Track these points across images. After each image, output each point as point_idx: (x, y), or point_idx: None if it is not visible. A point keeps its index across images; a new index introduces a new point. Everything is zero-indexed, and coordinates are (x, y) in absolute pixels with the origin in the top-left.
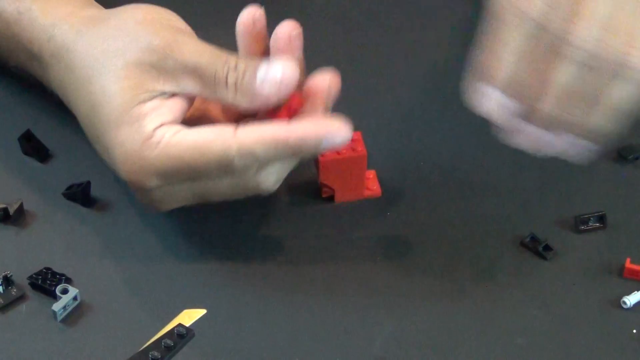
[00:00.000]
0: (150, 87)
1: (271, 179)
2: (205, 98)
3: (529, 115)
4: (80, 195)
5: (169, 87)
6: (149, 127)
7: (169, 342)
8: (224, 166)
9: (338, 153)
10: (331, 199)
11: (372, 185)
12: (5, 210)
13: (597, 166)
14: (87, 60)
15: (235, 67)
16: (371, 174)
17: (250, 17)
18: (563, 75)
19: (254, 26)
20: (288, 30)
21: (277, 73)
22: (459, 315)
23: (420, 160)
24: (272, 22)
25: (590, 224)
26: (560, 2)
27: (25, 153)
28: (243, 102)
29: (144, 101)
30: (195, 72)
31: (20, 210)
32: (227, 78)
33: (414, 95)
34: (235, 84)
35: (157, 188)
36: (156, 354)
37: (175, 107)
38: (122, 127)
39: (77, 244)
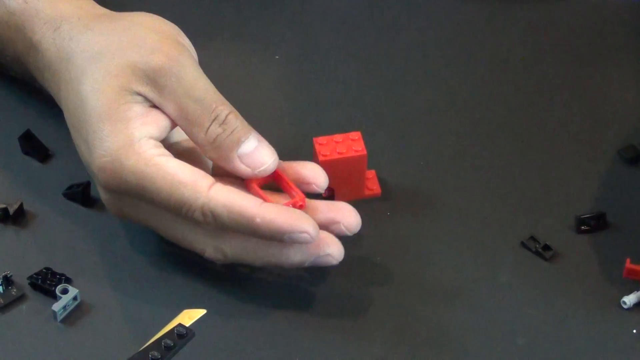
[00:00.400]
0: (135, 89)
1: (223, 250)
2: (179, 126)
3: None
4: (80, 195)
5: (152, 97)
6: (136, 134)
7: (169, 342)
8: (184, 209)
9: (338, 153)
10: (331, 199)
11: (372, 185)
12: (5, 210)
13: (597, 166)
14: (87, 52)
15: (224, 121)
16: (371, 174)
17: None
18: None
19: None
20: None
21: (260, 159)
22: (459, 315)
23: (420, 160)
24: (272, 22)
25: (591, 224)
26: None
27: (25, 153)
28: (213, 157)
29: (130, 102)
30: (181, 101)
31: (20, 210)
32: (209, 127)
33: (413, 95)
34: (215, 138)
35: (119, 195)
36: (156, 354)
37: (160, 119)
38: (107, 122)
39: (77, 244)
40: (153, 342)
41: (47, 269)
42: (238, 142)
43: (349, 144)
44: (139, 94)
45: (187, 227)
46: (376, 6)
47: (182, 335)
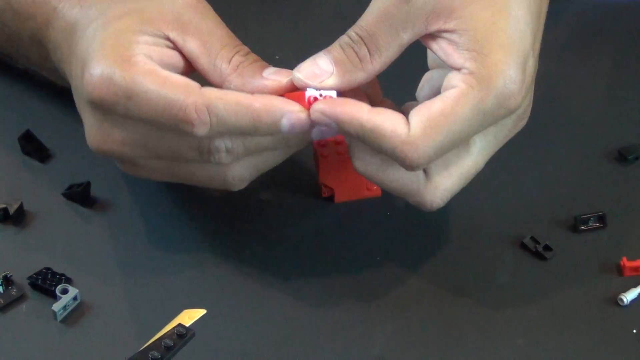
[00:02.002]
0: (156, 25)
1: (243, 172)
2: (200, 70)
3: None
4: (80, 195)
5: (173, 34)
6: (134, 51)
7: (169, 342)
8: (175, 110)
9: (338, 153)
10: (331, 199)
11: (372, 185)
12: (5, 210)
13: (597, 166)
14: (115, 9)
15: (246, 55)
16: None
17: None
18: None
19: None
20: None
21: (285, 73)
22: (459, 315)
23: None
24: (272, 22)
25: (590, 224)
26: None
27: (25, 153)
28: (237, 84)
29: (143, 32)
30: (205, 37)
31: (20, 210)
32: (232, 58)
33: (413, 95)
34: (239, 65)
35: (111, 113)
36: (156, 354)
37: (169, 55)
38: (110, 43)
39: (77, 244)
40: (153, 342)
41: (47, 269)
42: (262, 67)
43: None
44: (160, 32)
45: (199, 165)
46: None
47: (182, 335)
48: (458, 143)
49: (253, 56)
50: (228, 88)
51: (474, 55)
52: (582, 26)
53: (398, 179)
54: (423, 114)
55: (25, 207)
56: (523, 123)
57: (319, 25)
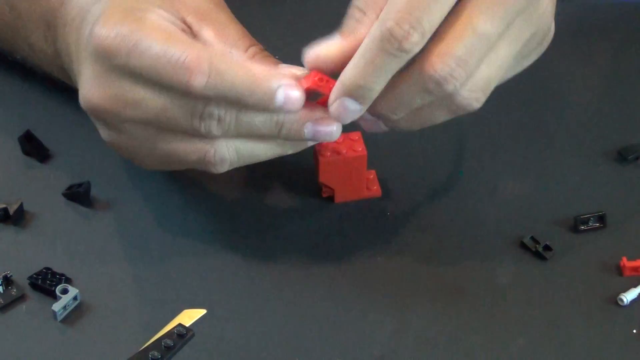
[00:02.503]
0: (176, 6)
1: (226, 152)
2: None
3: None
4: (80, 195)
5: (190, 19)
6: (147, 13)
7: (169, 342)
8: (179, 60)
9: (338, 153)
10: (331, 199)
11: (372, 185)
12: (5, 210)
13: (597, 166)
14: None
15: (261, 50)
16: (371, 174)
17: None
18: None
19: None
20: None
21: (299, 70)
22: (459, 315)
23: (420, 160)
24: (272, 22)
25: (590, 224)
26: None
27: (25, 153)
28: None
29: (160, 7)
30: (221, 28)
31: (20, 210)
32: (248, 48)
33: None
34: (254, 55)
35: (111, 62)
36: (156, 354)
37: (180, 30)
38: (123, 4)
39: (77, 244)
40: (153, 342)
41: (47, 269)
42: (277, 62)
43: (350, 144)
44: (179, 14)
45: (184, 137)
46: None
47: (182, 335)
48: (436, 5)
49: (267, 53)
50: None
51: None
52: (582, 26)
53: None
54: None
55: (25, 207)
56: (546, 25)
57: (319, 26)
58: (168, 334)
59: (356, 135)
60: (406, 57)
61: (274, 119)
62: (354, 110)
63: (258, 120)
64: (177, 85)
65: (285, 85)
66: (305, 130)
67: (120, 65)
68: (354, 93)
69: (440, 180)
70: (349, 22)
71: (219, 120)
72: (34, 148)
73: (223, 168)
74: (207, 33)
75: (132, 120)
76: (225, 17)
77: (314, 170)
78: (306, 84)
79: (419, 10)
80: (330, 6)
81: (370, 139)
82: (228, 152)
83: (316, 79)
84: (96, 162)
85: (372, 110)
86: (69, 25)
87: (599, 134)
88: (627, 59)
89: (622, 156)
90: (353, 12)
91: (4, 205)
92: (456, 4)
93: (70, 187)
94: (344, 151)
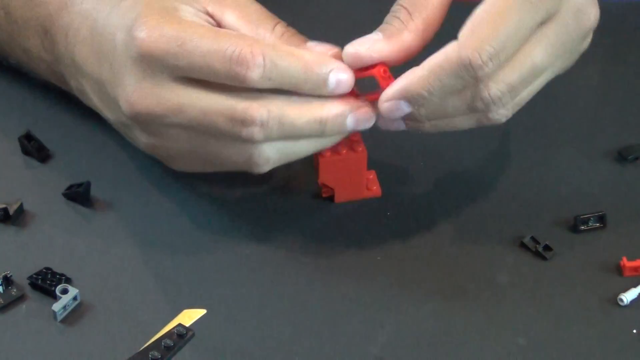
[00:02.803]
0: (201, 4)
1: (271, 153)
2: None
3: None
4: (80, 195)
5: (212, 8)
6: (179, 12)
7: (169, 342)
8: (234, 54)
9: (338, 153)
10: (331, 199)
11: (372, 185)
12: (5, 210)
13: (597, 166)
14: None
15: (287, 27)
16: (371, 174)
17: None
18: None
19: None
20: None
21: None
22: (459, 315)
23: (420, 160)
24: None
25: (590, 224)
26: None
27: (25, 153)
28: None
29: (185, 3)
30: (243, 9)
31: (20, 210)
32: (274, 27)
33: None
34: (282, 34)
35: (159, 68)
36: (156, 354)
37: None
38: (155, 5)
39: (77, 244)
40: (153, 342)
41: (47, 269)
42: (304, 40)
43: (349, 144)
44: (200, 5)
45: (227, 141)
46: (376, 6)
47: (182, 335)
48: (514, 38)
49: (293, 29)
50: None
51: None
52: None
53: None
54: (468, 21)
55: (25, 207)
56: (589, 25)
57: (319, 25)
58: (168, 334)
59: (356, 136)
60: (475, 82)
61: (317, 117)
62: (405, 112)
63: (301, 122)
64: (233, 79)
65: (335, 69)
66: (348, 122)
67: (169, 67)
68: (412, 99)
69: (440, 180)
70: (394, 22)
71: (262, 125)
72: (34, 148)
73: (266, 168)
74: (230, 17)
75: (177, 125)
76: (245, 0)
77: (314, 170)
78: (371, 73)
79: (500, 41)
80: (330, 6)
81: (370, 139)
82: (272, 152)
83: (381, 70)
84: (96, 162)
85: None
86: (72, 36)
87: (599, 134)
88: (626, 59)
89: (622, 156)
90: (399, 12)
91: (4, 205)
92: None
93: (70, 187)
94: (344, 151)
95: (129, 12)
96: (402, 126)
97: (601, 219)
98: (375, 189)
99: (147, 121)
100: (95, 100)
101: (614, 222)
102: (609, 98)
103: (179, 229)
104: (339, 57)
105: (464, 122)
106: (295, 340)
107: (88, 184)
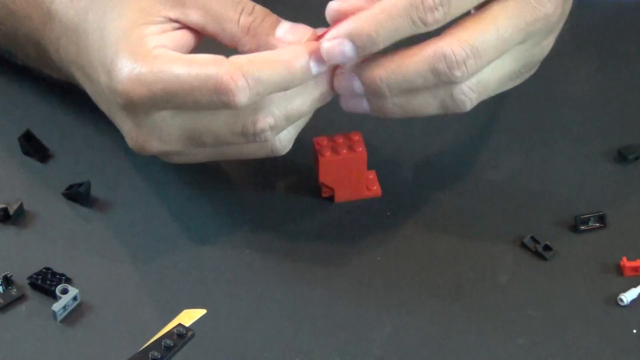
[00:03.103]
0: (155, 11)
1: (288, 137)
2: (210, 35)
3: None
4: (80, 195)
5: (174, 13)
6: (149, 45)
7: (169, 342)
8: (211, 83)
9: (338, 153)
10: (331, 199)
11: (372, 185)
12: (5, 210)
13: (597, 166)
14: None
15: (252, 11)
16: (371, 174)
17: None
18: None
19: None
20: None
21: (301, 31)
22: (459, 315)
23: (420, 160)
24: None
25: (590, 224)
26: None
27: (25, 153)
28: (251, 47)
29: (148, 23)
30: (204, 4)
31: (20, 210)
32: (239, 18)
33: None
34: (249, 26)
35: (149, 112)
36: (156, 354)
37: (178, 37)
38: (125, 44)
39: (77, 244)
40: (153, 342)
41: (47, 269)
42: (273, 25)
43: (349, 144)
44: (161, 16)
45: (231, 119)
46: None
47: (182, 335)
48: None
49: (261, 11)
50: (242, 51)
51: None
52: (582, 26)
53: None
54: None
55: (25, 207)
56: (544, 11)
57: (319, 25)
58: (168, 334)
59: (356, 136)
60: (421, 30)
61: (317, 95)
62: (347, 56)
63: (305, 107)
64: (224, 107)
65: (311, 56)
66: (313, 67)
67: (158, 108)
68: (357, 39)
69: (440, 180)
70: None
71: (272, 128)
72: (34, 148)
73: (287, 150)
74: (194, 17)
75: (187, 149)
76: None
77: (314, 170)
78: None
79: None
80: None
81: (370, 139)
82: (288, 135)
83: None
84: (96, 162)
85: (369, 79)
86: (54, 44)
87: (599, 134)
88: (626, 59)
89: (622, 156)
90: None
91: (4, 205)
92: (485, 3)
93: (70, 187)
94: (344, 151)
95: (102, 51)
96: (364, 106)
97: (601, 219)
98: (375, 189)
99: (163, 156)
100: (89, 92)
101: (614, 222)
102: (609, 98)
103: (179, 229)
104: (312, 37)
105: (428, 104)
106: (295, 340)
107: (88, 184)
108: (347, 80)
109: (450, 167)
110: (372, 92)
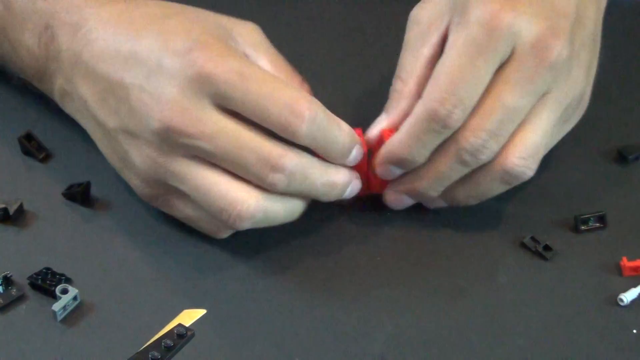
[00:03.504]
0: (238, 39)
1: (258, 210)
2: None
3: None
4: (80, 195)
5: (250, 50)
6: (229, 40)
7: (169, 342)
8: (292, 102)
9: None
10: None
11: (375, 180)
12: (5, 210)
13: (597, 166)
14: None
15: (309, 89)
16: (357, 131)
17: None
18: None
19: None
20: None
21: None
22: (459, 315)
23: None
24: (271, 21)
25: (590, 224)
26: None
27: (25, 153)
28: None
29: (232, 40)
30: (274, 58)
31: (20, 210)
32: (301, 83)
33: None
34: (308, 92)
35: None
36: (156, 354)
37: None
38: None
39: (77, 244)
40: (153, 342)
41: (47, 269)
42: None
43: None
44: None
45: (235, 179)
46: (378, 6)
47: (182, 335)
48: (473, 83)
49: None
50: None
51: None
52: None
53: None
54: (430, 79)
55: (25, 207)
56: (552, 58)
57: (319, 25)
58: (168, 334)
59: (357, 132)
60: (449, 132)
61: (332, 180)
62: (397, 173)
63: (320, 181)
64: (284, 127)
65: (359, 145)
66: (348, 189)
67: (220, 96)
68: (398, 163)
69: None
70: (392, 96)
71: (289, 175)
72: (34, 148)
73: (244, 226)
74: (264, 64)
75: (203, 151)
76: (274, 50)
77: None
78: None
79: (461, 89)
80: (329, 6)
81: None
82: (257, 209)
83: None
84: (96, 162)
85: (412, 190)
86: (82, 35)
87: (599, 134)
88: (627, 59)
89: (622, 156)
90: (395, 84)
91: (4, 205)
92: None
93: (70, 187)
94: None
95: (179, 34)
96: (407, 202)
97: (601, 219)
98: (381, 183)
99: (174, 139)
100: (92, 102)
101: (614, 222)
102: (609, 98)
103: (179, 229)
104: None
105: (491, 186)
106: (295, 341)
107: (88, 184)
108: (398, 199)
109: None
110: (422, 199)
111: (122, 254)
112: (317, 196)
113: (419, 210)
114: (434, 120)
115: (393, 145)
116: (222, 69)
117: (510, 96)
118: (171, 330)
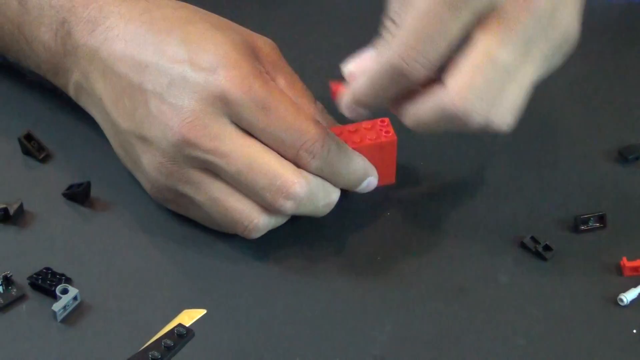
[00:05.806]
0: (260, 56)
1: (266, 224)
2: None
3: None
4: (80, 195)
5: (269, 68)
6: (254, 59)
7: (169, 342)
8: (306, 135)
9: (369, 139)
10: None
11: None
12: (5, 210)
13: (597, 166)
14: None
15: (322, 108)
16: (385, 120)
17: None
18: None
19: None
20: None
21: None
22: (459, 315)
23: (420, 160)
24: (271, 22)
25: (590, 224)
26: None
27: (25, 153)
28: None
29: (256, 58)
30: (289, 77)
31: (20, 210)
32: (315, 102)
33: None
34: (322, 110)
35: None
36: (156, 354)
37: None
38: (234, 55)
39: (77, 244)
40: (153, 342)
41: (47, 269)
42: (334, 122)
43: (378, 130)
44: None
45: (243, 198)
46: (380, 5)
47: (182, 335)
48: (438, 36)
49: (325, 110)
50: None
51: None
52: (582, 26)
53: None
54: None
55: (25, 207)
56: (541, 6)
57: (319, 25)
58: (168, 334)
59: (385, 121)
60: (414, 82)
61: (332, 201)
62: (365, 113)
63: (322, 204)
64: (293, 159)
65: (372, 177)
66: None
67: (238, 117)
68: (362, 104)
69: (440, 180)
70: (384, 36)
71: (298, 202)
72: (34, 148)
73: (256, 236)
74: (281, 83)
75: (215, 166)
76: (290, 70)
77: None
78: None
79: (423, 43)
80: (331, 5)
81: None
82: (266, 223)
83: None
84: (96, 162)
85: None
86: (101, 31)
87: (599, 134)
88: (627, 59)
89: (622, 156)
90: (386, 24)
91: (4, 205)
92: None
93: (70, 187)
94: (374, 137)
95: (206, 47)
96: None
97: (601, 219)
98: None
99: (189, 151)
100: (106, 100)
101: (614, 222)
102: (609, 98)
103: (179, 229)
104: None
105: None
106: (295, 340)
107: (88, 184)
108: (354, 111)
109: (450, 166)
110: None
111: (122, 253)
112: (317, 215)
113: (419, 210)
114: (396, 72)
115: (357, 87)
116: (247, 95)
117: (501, 51)
118: (171, 330)
